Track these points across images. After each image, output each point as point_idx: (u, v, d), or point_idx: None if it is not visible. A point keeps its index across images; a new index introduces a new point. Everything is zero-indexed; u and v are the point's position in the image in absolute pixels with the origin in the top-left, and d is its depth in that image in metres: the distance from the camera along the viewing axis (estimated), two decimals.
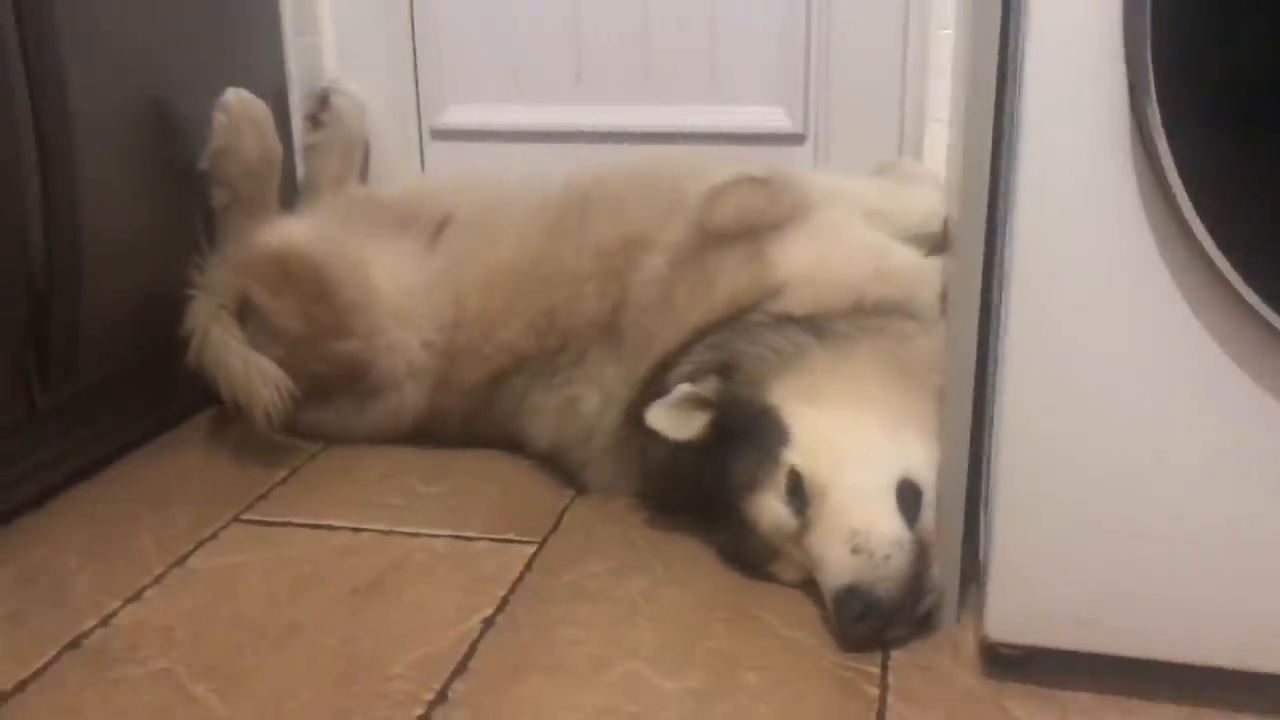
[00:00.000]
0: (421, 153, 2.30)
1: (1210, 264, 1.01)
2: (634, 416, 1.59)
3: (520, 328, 1.78)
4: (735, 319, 1.58)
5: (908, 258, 1.67)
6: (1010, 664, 1.22)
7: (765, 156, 2.13)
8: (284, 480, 1.74)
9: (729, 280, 1.61)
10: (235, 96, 1.87)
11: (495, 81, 2.25)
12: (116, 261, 1.75)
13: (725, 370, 1.46)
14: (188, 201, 1.92)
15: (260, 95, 1.99)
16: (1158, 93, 0.97)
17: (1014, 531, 1.15)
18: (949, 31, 1.98)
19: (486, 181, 2.07)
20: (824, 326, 1.47)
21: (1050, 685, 1.20)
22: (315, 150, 2.19)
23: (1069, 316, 1.08)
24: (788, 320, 1.50)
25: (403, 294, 1.83)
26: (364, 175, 2.27)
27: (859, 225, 1.71)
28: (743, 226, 1.67)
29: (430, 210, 2.01)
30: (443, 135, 2.29)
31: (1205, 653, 1.13)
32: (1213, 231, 0.99)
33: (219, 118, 1.86)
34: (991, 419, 1.26)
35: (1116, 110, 1.02)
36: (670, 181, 1.81)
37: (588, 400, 1.69)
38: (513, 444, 1.80)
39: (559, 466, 1.73)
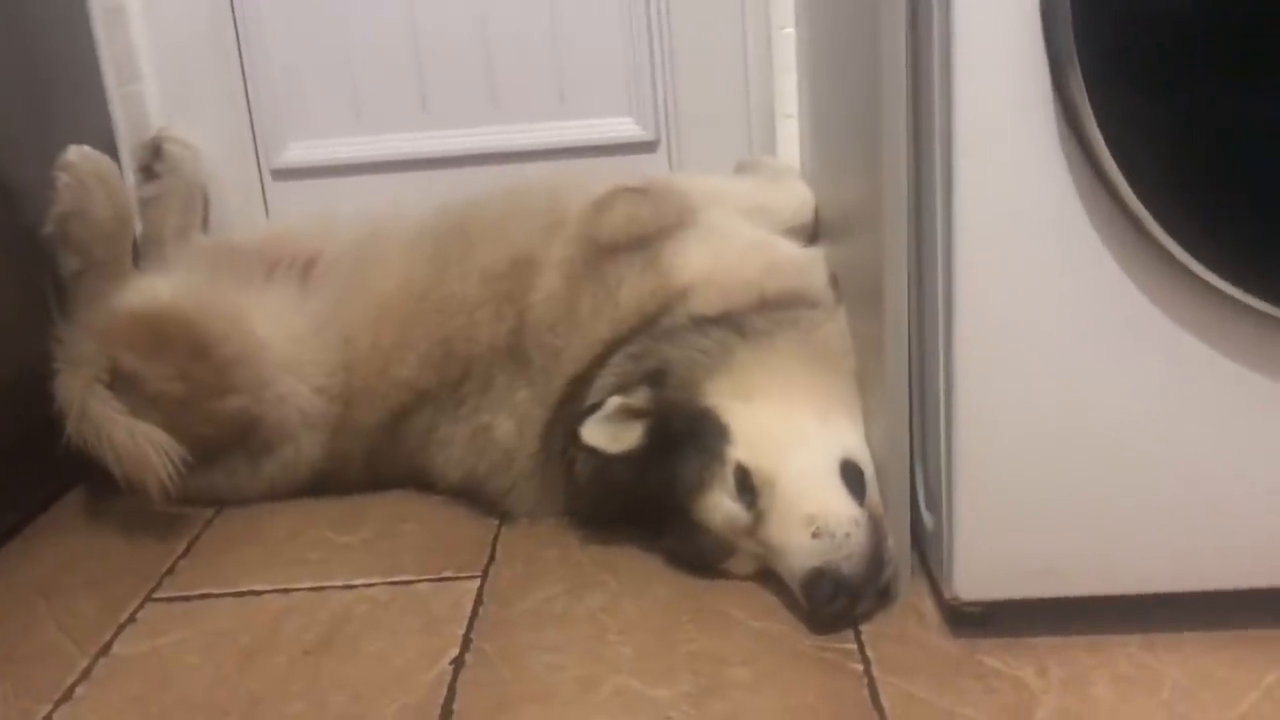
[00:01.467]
0: (264, 195, 2.22)
1: (1137, 221, 1.10)
2: (556, 435, 1.60)
3: (416, 362, 1.74)
4: (645, 327, 1.60)
5: (794, 250, 1.73)
6: (974, 621, 1.28)
7: (620, 167, 2.16)
8: (186, 552, 1.65)
9: (632, 289, 1.63)
10: (79, 154, 1.76)
11: (336, 115, 2.19)
12: None
13: (656, 378, 1.47)
14: (31, 272, 1.79)
15: None
16: (1079, 57, 1.05)
17: (974, 493, 1.21)
18: (790, 30, 2.05)
19: (347, 217, 2.01)
20: (743, 324, 1.51)
21: (1016, 635, 1.27)
22: (153, 203, 2.07)
23: (1011, 282, 1.15)
24: (706, 322, 1.53)
25: (287, 341, 1.76)
26: (206, 224, 2.17)
27: (743, 224, 1.75)
28: (633, 236, 1.69)
29: (292, 252, 1.94)
30: (285, 175, 2.21)
31: (1155, 581, 1.22)
32: (1136, 189, 1.08)
33: (63, 178, 1.75)
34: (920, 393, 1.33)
35: (1040, 80, 1.10)
36: (546, 199, 1.82)
37: (501, 426, 1.67)
38: (421, 481, 1.76)
39: (475, 498, 1.70)
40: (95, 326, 1.74)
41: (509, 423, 1.66)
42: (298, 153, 2.20)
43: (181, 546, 1.66)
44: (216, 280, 1.83)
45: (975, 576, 1.25)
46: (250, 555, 1.62)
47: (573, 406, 1.58)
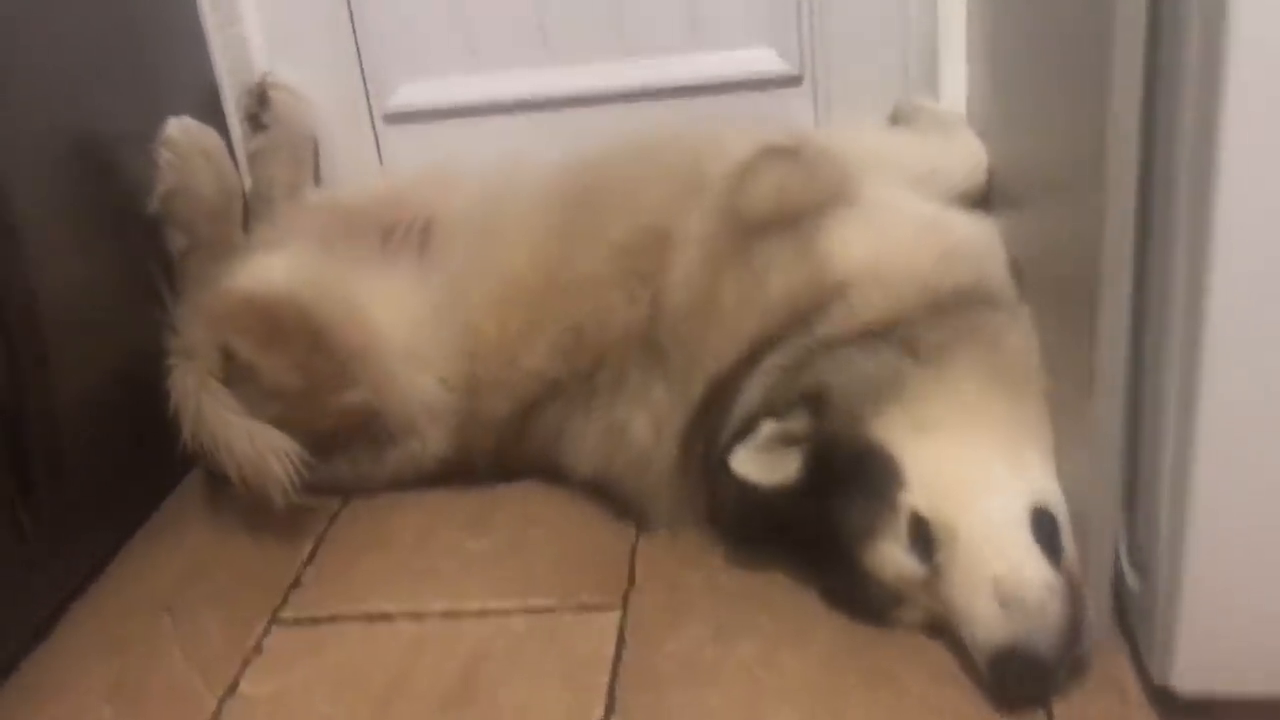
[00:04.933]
0: (377, 141, 2.07)
1: None
2: (697, 441, 1.46)
3: (545, 350, 1.60)
4: (797, 324, 1.43)
5: (968, 228, 1.52)
6: (1186, 705, 1.12)
7: (759, 104, 1.96)
8: (311, 558, 1.57)
9: (783, 280, 1.45)
10: (179, 129, 1.63)
11: (450, 53, 2.01)
12: (80, 347, 1.53)
13: (814, 402, 1.31)
14: (139, 248, 1.69)
15: (191, 104, 1.78)
16: None
17: (1209, 555, 1.03)
18: None
19: (465, 170, 1.86)
20: (915, 340, 1.32)
21: None
22: (261, 157, 1.94)
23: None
24: (872, 337, 1.35)
25: (408, 330, 1.64)
26: (317, 175, 2.04)
27: (909, 197, 1.56)
28: (783, 211, 1.51)
29: (409, 213, 1.81)
30: (397, 119, 2.05)
31: None
32: None
33: (164, 155, 1.63)
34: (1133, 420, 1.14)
35: None
36: (683, 157, 1.65)
37: (636, 425, 1.53)
38: (550, 472, 1.65)
39: (608, 494, 1.58)
40: (207, 310, 1.64)
41: (645, 422, 1.53)
42: (411, 95, 2.04)
43: (306, 549, 1.59)
44: (331, 257, 1.70)
45: (1197, 664, 1.08)
46: (378, 564, 1.54)
47: (716, 411, 1.43)
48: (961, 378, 1.29)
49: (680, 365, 1.50)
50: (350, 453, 1.66)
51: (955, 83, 1.86)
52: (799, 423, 1.31)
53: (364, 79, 2.03)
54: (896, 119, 1.82)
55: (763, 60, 1.96)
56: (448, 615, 1.42)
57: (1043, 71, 1.33)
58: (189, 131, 1.64)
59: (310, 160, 1.99)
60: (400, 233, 1.79)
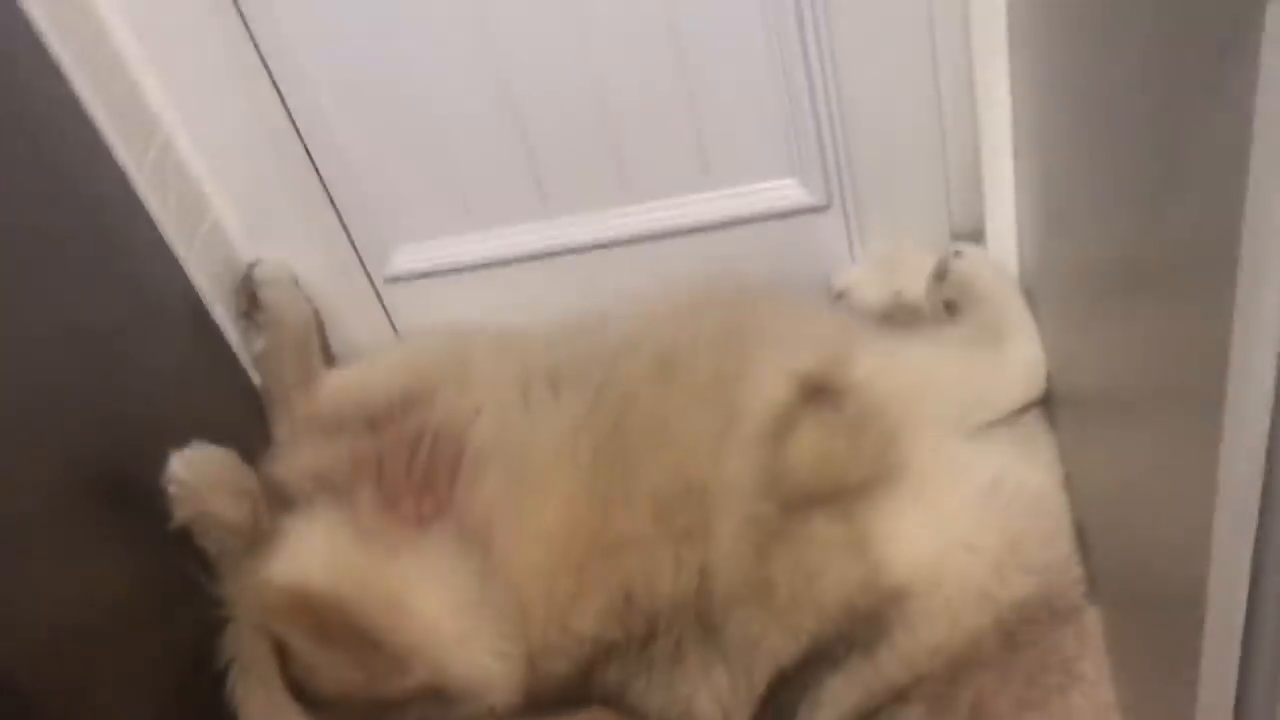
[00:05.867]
0: (382, 304, 1.94)
1: None
2: None
3: (597, 613, 1.58)
4: (856, 631, 1.39)
5: (1029, 497, 1.42)
6: None
7: (785, 235, 1.80)
8: None
9: (837, 580, 1.41)
10: (182, 465, 1.54)
11: (442, 214, 1.83)
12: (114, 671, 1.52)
13: None
14: (169, 543, 1.64)
15: (177, 321, 1.71)
16: None
17: None
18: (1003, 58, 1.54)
19: (482, 346, 1.80)
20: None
21: None
22: (266, 359, 1.84)
23: None
24: (939, 704, 1.30)
25: (454, 616, 1.60)
26: (326, 347, 1.93)
27: (961, 451, 1.46)
28: (826, 487, 1.45)
29: (427, 417, 1.74)
30: (399, 280, 1.91)
31: None
32: None
33: (173, 491, 1.55)
34: None
35: None
36: (712, 375, 1.58)
37: (701, 705, 1.53)
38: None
39: None
40: (254, 610, 1.62)
41: (710, 702, 1.53)
42: (409, 257, 1.88)
43: None
44: (359, 523, 1.65)
45: None
46: None
47: (780, 711, 1.44)
48: None
49: (739, 653, 1.49)
50: (419, 709, 1.68)
51: (1003, 208, 1.67)
52: None
53: (355, 249, 1.88)
54: (939, 279, 1.65)
55: (784, 192, 1.77)
56: None
57: (1120, 224, 0.98)
58: (191, 465, 1.54)
59: (316, 347, 1.88)
60: (427, 446, 1.73)
